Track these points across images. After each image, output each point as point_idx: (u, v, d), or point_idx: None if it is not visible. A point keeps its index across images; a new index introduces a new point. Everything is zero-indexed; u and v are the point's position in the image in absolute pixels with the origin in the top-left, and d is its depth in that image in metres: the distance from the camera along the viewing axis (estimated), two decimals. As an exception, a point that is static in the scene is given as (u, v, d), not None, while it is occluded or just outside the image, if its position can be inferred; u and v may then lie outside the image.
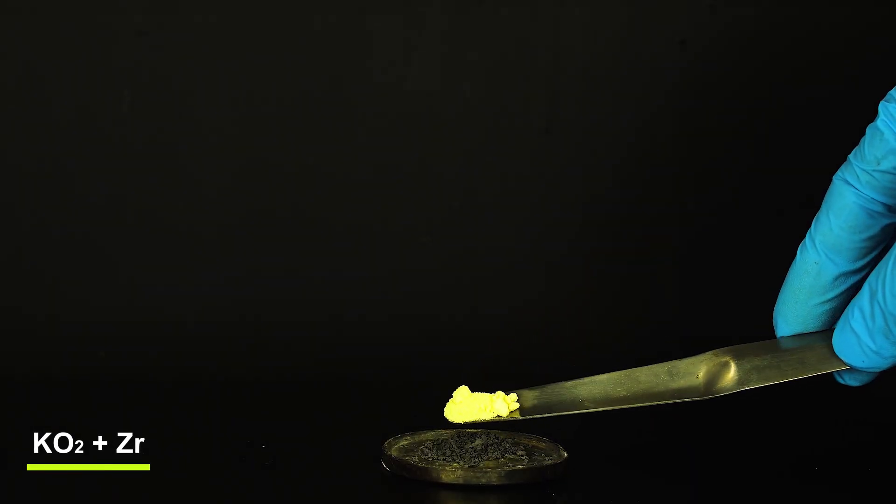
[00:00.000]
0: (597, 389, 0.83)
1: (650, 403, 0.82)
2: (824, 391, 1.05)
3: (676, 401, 0.82)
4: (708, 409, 1.01)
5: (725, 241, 1.16)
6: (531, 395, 0.84)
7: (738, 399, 1.04)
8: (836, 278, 0.79)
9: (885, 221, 0.77)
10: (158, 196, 1.12)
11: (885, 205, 0.77)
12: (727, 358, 0.82)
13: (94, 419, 0.93)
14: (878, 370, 0.77)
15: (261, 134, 1.12)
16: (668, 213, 1.15)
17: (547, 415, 0.84)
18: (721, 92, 1.14)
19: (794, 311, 0.80)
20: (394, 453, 0.84)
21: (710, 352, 0.83)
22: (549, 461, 0.83)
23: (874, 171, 0.77)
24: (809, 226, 0.82)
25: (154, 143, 1.11)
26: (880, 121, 0.77)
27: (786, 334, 0.81)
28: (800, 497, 0.83)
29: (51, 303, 1.10)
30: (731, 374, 0.81)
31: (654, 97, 1.14)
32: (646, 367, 0.83)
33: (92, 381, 1.05)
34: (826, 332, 0.80)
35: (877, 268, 0.75)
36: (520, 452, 0.85)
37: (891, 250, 0.75)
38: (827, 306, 0.79)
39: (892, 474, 0.86)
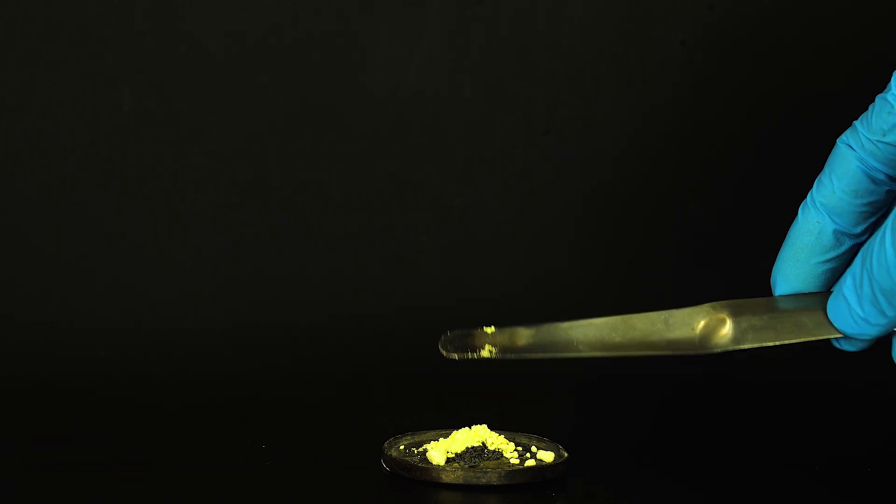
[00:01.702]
0: (592, 332, 0.82)
1: (644, 353, 0.82)
2: (828, 391, 1.06)
3: (670, 353, 0.81)
4: (709, 405, 1.03)
5: (725, 241, 1.16)
6: (526, 333, 0.83)
7: (738, 395, 1.04)
8: (838, 238, 0.78)
9: (887, 188, 0.77)
10: (156, 195, 1.12)
11: (887, 174, 0.77)
12: (724, 314, 0.81)
13: (96, 420, 0.94)
14: (867, 338, 0.77)
15: (260, 136, 1.12)
16: (669, 212, 1.15)
17: (539, 355, 0.82)
18: (721, 91, 1.14)
19: (794, 270, 0.80)
20: (394, 453, 0.84)
21: (709, 304, 0.82)
22: (550, 461, 0.83)
23: (878, 141, 0.76)
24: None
25: (154, 145, 1.11)
26: (891, 94, 0.76)
27: (785, 293, 0.81)
28: (799, 495, 0.83)
29: (48, 306, 1.10)
30: (727, 330, 0.81)
31: (654, 97, 1.14)
32: (643, 314, 0.82)
33: (94, 381, 1.04)
34: (824, 294, 0.80)
35: (871, 237, 0.75)
36: (519, 450, 0.85)
37: (886, 220, 0.75)
38: (827, 266, 0.79)
39: (893, 475, 0.86)
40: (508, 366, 0.87)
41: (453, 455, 0.83)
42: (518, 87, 1.14)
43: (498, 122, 1.14)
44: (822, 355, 1.11)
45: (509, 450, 0.84)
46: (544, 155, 1.15)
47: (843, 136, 0.79)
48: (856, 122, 0.79)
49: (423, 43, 1.13)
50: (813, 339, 0.79)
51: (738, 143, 1.15)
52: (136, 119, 1.11)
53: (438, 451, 0.83)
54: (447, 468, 0.81)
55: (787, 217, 1.17)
